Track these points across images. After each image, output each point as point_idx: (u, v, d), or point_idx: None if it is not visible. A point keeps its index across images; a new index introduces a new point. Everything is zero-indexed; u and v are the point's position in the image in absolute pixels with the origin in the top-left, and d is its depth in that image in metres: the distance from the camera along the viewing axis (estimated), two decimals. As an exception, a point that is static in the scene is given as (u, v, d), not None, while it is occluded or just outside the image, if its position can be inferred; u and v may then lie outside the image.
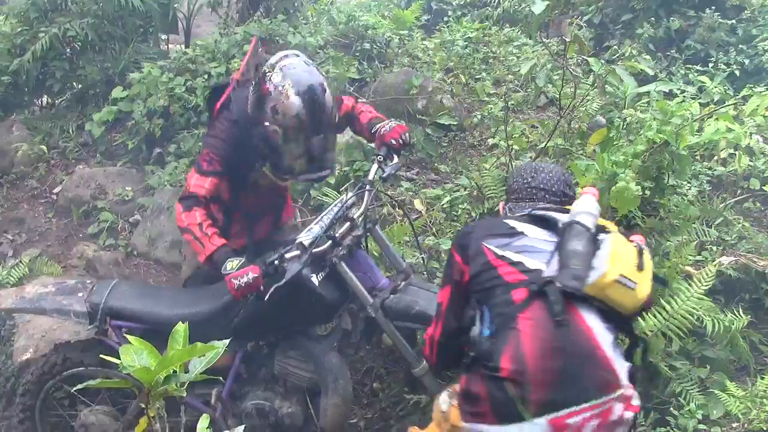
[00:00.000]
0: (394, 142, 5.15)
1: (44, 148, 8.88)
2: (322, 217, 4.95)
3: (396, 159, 5.20)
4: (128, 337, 2.76)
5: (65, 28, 8.86)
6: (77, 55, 9.39)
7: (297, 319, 5.10)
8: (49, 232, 8.21)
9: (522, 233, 4.04)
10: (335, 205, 5.03)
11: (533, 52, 10.08)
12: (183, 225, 5.00)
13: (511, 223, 4.11)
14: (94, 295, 5.32)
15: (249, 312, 5.03)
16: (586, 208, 3.98)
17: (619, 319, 3.84)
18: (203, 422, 2.72)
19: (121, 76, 8.99)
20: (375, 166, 5.14)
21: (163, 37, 10.45)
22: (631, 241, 3.98)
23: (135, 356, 2.64)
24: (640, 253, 3.87)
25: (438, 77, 9.13)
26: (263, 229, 5.65)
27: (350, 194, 5.09)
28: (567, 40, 6.34)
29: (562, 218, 4.00)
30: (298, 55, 5.02)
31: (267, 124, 4.84)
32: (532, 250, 3.98)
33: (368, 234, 5.22)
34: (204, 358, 2.68)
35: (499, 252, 3.99)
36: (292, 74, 4.84)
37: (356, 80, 9.05)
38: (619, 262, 3.78)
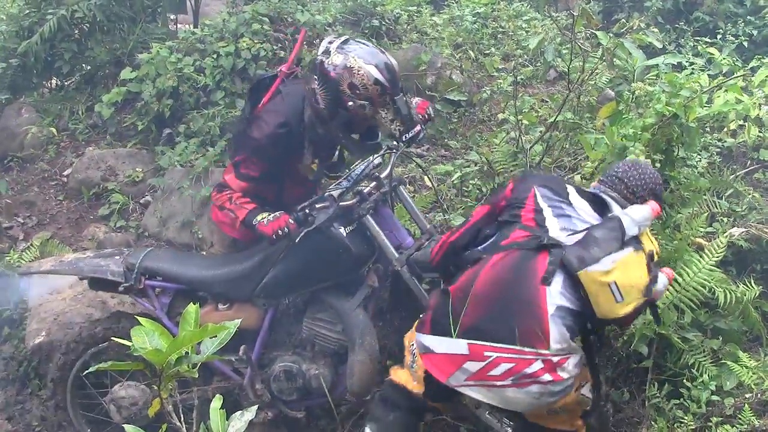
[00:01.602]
0: (420, 116, 5.37)
1: (54, 130, 8.87)
2: (350, 174, 5.17)
3: (418, 127, 5.28)
4: (139, 318, 2.76)
5: (73, 10, 8.83)
6: (85, 36, 9.35)
7: (325, 273, 5.22)
8: (60, 215, 8.20)
9: (571, 203, 4.25)
10: (363, 164, 5.23)
11: (542, 26, 10.05)
12: (217, 204, 5.27)
13: (570, 190, 4.32)
14: (131, 257, 5.52)
15: (281, 267, 5.20)
16: (634, 213, 4.13)
17: (585, 307, 4.02)
18: (216, 402, 2.74)
19: (130, 56, 8.97)
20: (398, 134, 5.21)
21: (172, 17, 10.39)
22: (662, 271, 4.18)
23: (146, 337, 2.64)
24: (654, 281, 4.03)
25: (447, 53, 9.11)
26: None
27: (376, 155, 5.28)
28: (575, 14, 6.33)
29: (615, 210, 4.11)
30: (337, 37, 5.09)
31: (350, 103, 4.90)
32: (568, 219, 4.18)
33: (394, 193, 5.38)
34: (216, 339, 2.68)
35: (540, 201, 4.24)
36: (351, 50, 4.94)
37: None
38: (622, 273, 3.93)
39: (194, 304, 2.84)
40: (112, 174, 8.20)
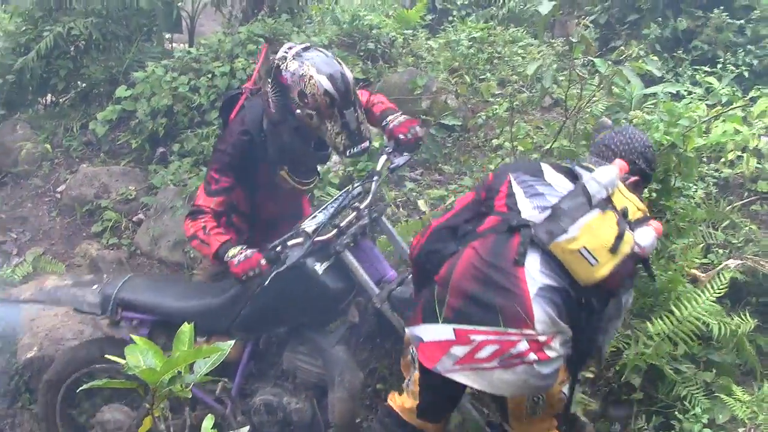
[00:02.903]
0: (402, 137, 5.15)
1: (48, 146, 8.89)
2: (327, 206, 5.00)
3: (405, 154, 5.21)
4: (134, 337, 2.73)
5: (69, 27, 8.87)
6: (81, 54, 9.40)
7: (302, 310, 5.09)
8: (53, 231, 8.21)
9: (546, 180, 4.22)
10: (341, 195, 5.09)
11: (539, 52, 10.07)
12: (189, 233, 5.09)
13: (545, 168, 4.28)
14: (107, 287, 5.41)
15: (255, 304, 5.07)
16: (600, 176, 4.11)
17: (570, 280, 4.00)
18: (208, 422, 2.70)
19: (125, 75, 9.00)
20: (383, 158, 5.15)
21: (167, 36, 10.47)
22: (649, 225, 4.11)
23: (140, 356, 2.62)
24: (620, 237, 3.97)
25: (442, 77, 9.10)
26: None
27: (356, 184, 5.15)
28: (573, 40, 6.32)
29: (585, 178, 4.14)
30: (298, 44, 5.01)
31: (298, 111, 4.80)
32: (541, 197, 4.16)
33: (375, 224, 5.24)
34: (209, 359, 2.65)
35: (513, 185, 4.21)
36: (308, 57, 4.83)
37: (360, 80, 9.01)
38: (590, 236, 3.94)
39: (186, 326, 2.81)
40: (106, 191, 8.20)
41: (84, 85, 9.51)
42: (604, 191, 4.07)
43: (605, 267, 3.94)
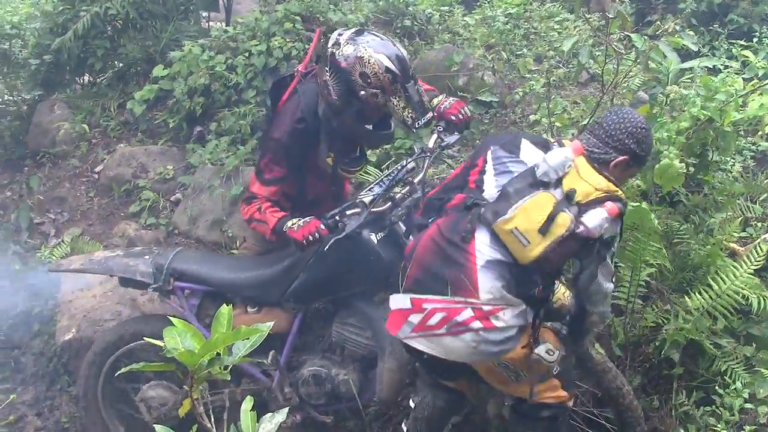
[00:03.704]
0: (453, 117, 5.32)
1: (86, 126, 8.92)
2: (382, 179, 5.13)
3: (456, 133, 5.33)
4: (172, 319, 2.74)
5: (106, 7, 8.85)
6: (118, 33, 9.40)
7: (355, 279, 5.20)
8: (91, 211, 8.24)
9: (520, 156, 4.40)
10: (395, 169, 5.19)
11: (575, 27, 10.01)
12: (246, 217, 5.29)
13: (524, 144, 4.45)
14: (159, 257, 5.51)
15: (309, 273, 5.19)
16: (551, 158, 4.24)
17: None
18: (247, 404, 2.72)
19: (162, 54, 8.99)
20: (435, 136, 5.28)
21: (204, 14, 10.43)
22: (603, 206, 4.18)
23: (179, 338, 2.63)
24: (551, 219, 4.09)
25: (479, 54, 9.07)
26: None
27: (410, 159, 5.25)
28: (609, 15, 6.28)
29: (539, 158, 4.33)
30: (347, 29, 5.12)
31: (362, 93, 4.89)
32: (509, 174, 4.34)
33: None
34: (248, 341, 2.67)
35: (488, 162, 4.43)
36: (362, 40, 4.94)
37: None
38: (523, 218, 4.11)
39: (226, 305, 2.82)
40: (143, 171, 8.23)
41: (121, 64, 9.53)
42: (553, 173, 4.19)
43: (537, 248, 4.11)
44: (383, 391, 5.22)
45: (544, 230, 4.08)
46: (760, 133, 7.33)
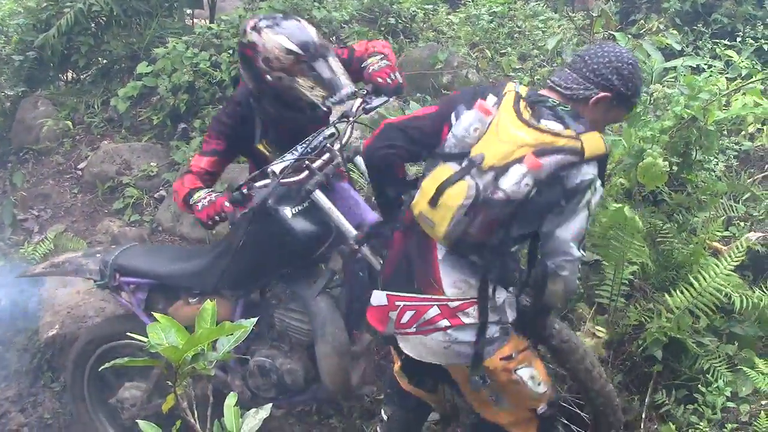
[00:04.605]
0: (380, 80, 4.99)
1: (69, 123, 8.92)
2: (296, 147, 4.81)
3: (383, 96, 5.00)
4: (155, 315, 2.74)
5: (90, 3, 8.84)
6: (102, 30, 9.39)
7: (277, 260, 4.95)
8: (75, 208, 8.24)
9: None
10: (311, 137, 4.85)
11: (559, 26, 10.03)
12: (174, 191, 5.21)
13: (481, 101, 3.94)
14: (106, 254, 5.51)
15: (234, 258, 4.95)
16: (456, 128, 3.90)
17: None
18: (231, 399, 2.72)
19: (146, 51, 9.00)
20: (359, 101, 4.92)
21: (188, 12, 10.42)
22: (523, 162, 3.67)
23: (163, 334, 2.62)
24: (439, 191, 3.78)
25: (463, 52, 9.09)
26: None
27: (328, 126, 4.92)
28: (593, 14, 6.31)
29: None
30: (255, 17, 4.98)
31: (268, 77, 4.76)
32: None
33: (351, 165, 5.11)
34: (232, 337, 2.67)
35: (452, 131, 3.91)
36: (263, 25, 4.80)
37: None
38: (422, 198, 3.87)
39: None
40: (127, 168, 8.24)
41: (105, 61, 9.53)
42: (460, 146, 3.85)
43: (441, 225, 3.79)
44: (326, 380, 4.94)
45: (433, 202, 3.78)
46: (743, 132, 7.37)
